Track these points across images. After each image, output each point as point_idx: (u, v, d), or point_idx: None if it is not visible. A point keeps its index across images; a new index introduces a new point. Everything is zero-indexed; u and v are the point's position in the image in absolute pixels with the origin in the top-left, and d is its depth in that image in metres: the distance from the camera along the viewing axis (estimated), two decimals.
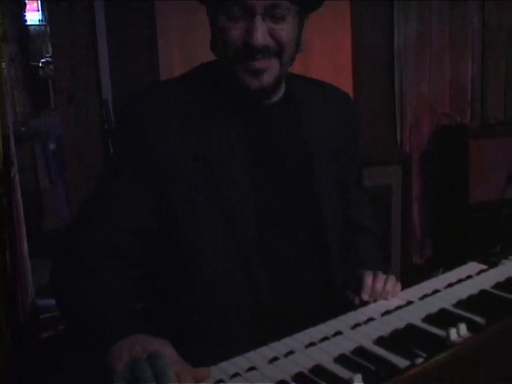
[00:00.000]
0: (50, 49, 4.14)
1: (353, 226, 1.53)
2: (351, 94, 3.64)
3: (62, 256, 1.25)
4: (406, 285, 1.37)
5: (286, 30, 1.23)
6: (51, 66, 5.02)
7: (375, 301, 1.31)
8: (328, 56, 3.65)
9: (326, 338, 1.12)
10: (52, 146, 4.76)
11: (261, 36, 1.19)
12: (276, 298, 1.30)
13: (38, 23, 5.82)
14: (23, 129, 4.67)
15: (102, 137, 3.34)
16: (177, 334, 1.30)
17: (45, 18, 5.57)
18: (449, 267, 1.45)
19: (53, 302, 1.23)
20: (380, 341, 1.09)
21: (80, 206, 1.32)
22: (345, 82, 3.65)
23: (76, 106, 3.37)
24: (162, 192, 1.26)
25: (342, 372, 0.99)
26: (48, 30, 4.64)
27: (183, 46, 3.35)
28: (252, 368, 1.01)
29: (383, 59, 3.89)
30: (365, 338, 1.11)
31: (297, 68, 1.41)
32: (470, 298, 1.27)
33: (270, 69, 1.25)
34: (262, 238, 1.29)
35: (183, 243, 1.27)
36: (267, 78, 1.25)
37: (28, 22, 5.79)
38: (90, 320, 1.08)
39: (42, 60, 5.73)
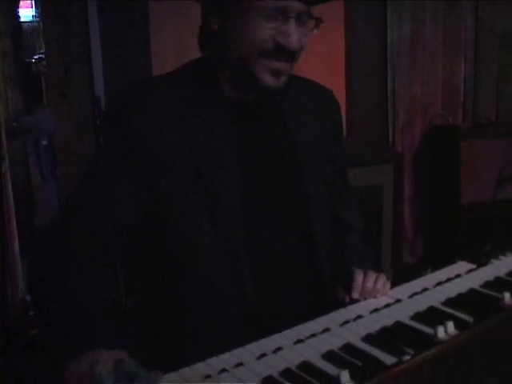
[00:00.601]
0: (43, 45, 4.12)
1: (340, 223, 1.53)
2: (344, 94, 3.68)
3: (47, 249, 1.25)
4: (396, 284, 1.37)
5: (306, 36, 1.26)
6: (44, 63, 5.00)
7: (365, 299, 1.32)
8: (321, 55, 3.65)
9: (313, 335, 1.12)
10: (44, 143, 4.74)
11: (297, 40, 1.21)
12: (263, 297, 1.30)
13: (31, 19, 5.81)
14: (15, 124, 4.65)
15: (94, 134, 3.33)
16: (165, 330, 1.31)
17: (38, 14, 5.56)
18: (439, 267, 1.46)
19: None
20: (368, 338, 1.10)
21: (68, 198, 1.32)
22: (338, 82, 3.65)
23: (68, 102, 3.36)
24: (154, 185, 1.25)
25: (330, 368, 0.99)
26: (41, 26, 4.62)
27: (176, 44, 3.34)
28: (240, 364, 1.02)
29: (376, 59, 3.89)
30: (353, 335, 1.12)
31: None
32: (459, 296, 1.28)
33: (287, 72, 1.27)
34: (250, 236, 1.30)
35: (172, 239, 1.27)
36: (283, 79, 1.27)
37: (21, 19, 5.78)
38: (63, 319, 1.10)
39: (35, 56, 5.72)
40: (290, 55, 1.23)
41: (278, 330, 1.15)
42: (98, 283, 1.17)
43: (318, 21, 1.27)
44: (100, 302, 1.12)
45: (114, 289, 1.18)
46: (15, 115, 5.00)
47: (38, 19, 5.64)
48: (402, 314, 1.20)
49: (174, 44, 3.35)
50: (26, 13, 5.82)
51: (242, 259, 1.28)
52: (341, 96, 1.48)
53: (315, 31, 1.28)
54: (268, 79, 1.25)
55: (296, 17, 1.21)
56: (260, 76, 1.24)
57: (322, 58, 3.65)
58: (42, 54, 5.49)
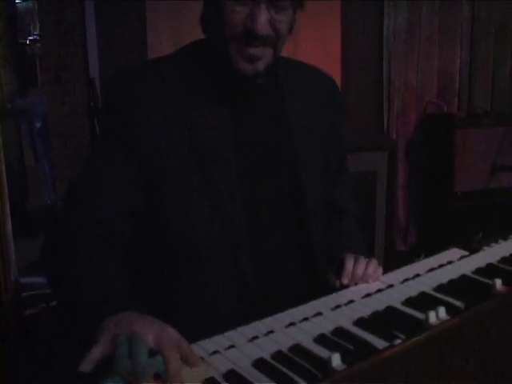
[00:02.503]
0: (38, 27, 4.09)
1: (336, 208, 1.54)
2: (340, 81, 3.67)
3: (56, 234, 1.26)
4: (389, 271, 1.37)
5: (285, 22, 1.23)
6: (38, 44, 4.97)
7: (355, 284, 1.32)
8: (317, 42, 3.65)
9: (306, 319, 1.13)
10: (38, 125, 4.72)
11: (264, 25, 1.18)
12: (262, 283, 1.30)
13: (26, 0, 5.77)
14: (9, 106, 4.63)
15: (88, 116, 3.32)
16: (162, 315, 1.31)
17: None
18: (432, 254, 1.46)
19: (35, 280, 1.22)
20: (359, 322, 1.11)
21: (72, 185, 1.32)
22: (333, 69, 3.65)
23: (63, 84, 3.35)
24: (152, 170, 1.26)
25: (321, 351, 1.00)
26: (36, 7, 4.59)
27: (172, 26, 3.32)
28: (231, 346, 1.02)
29: (372, 46, 3.88)
30: (345, 319, 1.12)
31: (285, 54, 1.40)
32: (451, 282, 1.28)
33: (265, 57, 1.24)
34: (249, 222, 1.30)
35: (169, 223, 1.27)
36: (260, 65, 1.24)
37: None
38: (85, 298, 1.08)
39: (30, 38, 5.68)
40: (263, 40, 1.20)
41: (274, 313, 1.15)
42: (106, 267, 1.17)
43: (297, 4, 1.25)
44: (113, 283, 1.12)
45: (124, 273, 1.18)
46: (9, 97, 4.98)
47: (32, 0, 5.60)
48: (394, 299, 1.21)
49: (170, 24, 3.34)
50: None
51: (241, 245, 1.28)
52: (336, 82, 1.50)
53: (294, 15, 1.25)
54: (242, 64, 1.23)
55: (269, 1, 1.18)
56: (234, 61, 1.23)
57: (318, 45, 3.65)
58: (36, 35, 5.46)
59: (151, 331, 0.95)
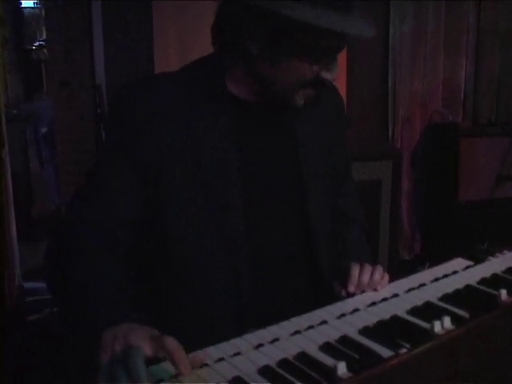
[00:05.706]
0: (45, 32, 4.11)
1: (341, 216, 1.54)
2: (345, 89, 3.67)
3: (58, 240, 1.27)
4: (393, 280, 1.38)
5: None
6: (45, 50, 5.00)
7: (361, 292, 1.32)
8: None
9: (311, 327, 1.13)
10: (43, 130, 4.74)
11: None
12: (259, 293, 1.30)
13: (32, 6, 5.79)
14: (15, 111, 4.65)
15: (94, 122, 3.33)
16: (157, 324, 1.31)
17: (40, 0, 5.55)
18: (436, 264, 1.46)
19: (39, 285, 1.22)
20: (365, 331, 1.11)
21: (77, 191, 1.33)
22: (338, 77, 3.64)
23: (69, 90, 3.35)
24: (153, 181, 1.26)
25: (327, 359, 1.00)
26: (43, 13, 4.61)
27: (178, 32, 3.33)
28: (237, 353, 1.02)
29: (378, 55, 3.89)
30: (350, 327, 1.12)
31: None
32: (456, 292, 1.28)
33: None
34: (248, 232, 1.30)
35: (168, 232, 1.27)
36: None
37: (23, 5, 5.76)
38: (85, 304, 1.10)
39: (36, 43, 5.70)
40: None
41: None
42: (107, 274, 1.17)
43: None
44: (113, 290, 1.13)
45: (125, 280, 1.19)
46: (15, 102, 5.00)
47: (39, 6, 5.63)
48: (399, 308, 1.21)
49: (176, 30, 3.34)
50: None
51: (239, 255, 1.28)
52: (341, 91, 1.50)
53: None
54: (300, 102, 1.28)
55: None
56: (297, 102, 1.27)
57: None
58: (42, 41, 5.48)
59: (147, 340, 0.96)
